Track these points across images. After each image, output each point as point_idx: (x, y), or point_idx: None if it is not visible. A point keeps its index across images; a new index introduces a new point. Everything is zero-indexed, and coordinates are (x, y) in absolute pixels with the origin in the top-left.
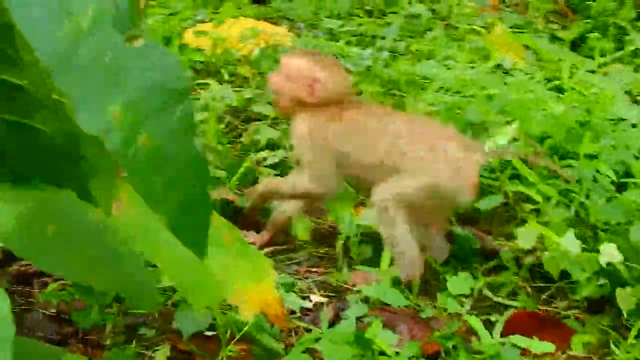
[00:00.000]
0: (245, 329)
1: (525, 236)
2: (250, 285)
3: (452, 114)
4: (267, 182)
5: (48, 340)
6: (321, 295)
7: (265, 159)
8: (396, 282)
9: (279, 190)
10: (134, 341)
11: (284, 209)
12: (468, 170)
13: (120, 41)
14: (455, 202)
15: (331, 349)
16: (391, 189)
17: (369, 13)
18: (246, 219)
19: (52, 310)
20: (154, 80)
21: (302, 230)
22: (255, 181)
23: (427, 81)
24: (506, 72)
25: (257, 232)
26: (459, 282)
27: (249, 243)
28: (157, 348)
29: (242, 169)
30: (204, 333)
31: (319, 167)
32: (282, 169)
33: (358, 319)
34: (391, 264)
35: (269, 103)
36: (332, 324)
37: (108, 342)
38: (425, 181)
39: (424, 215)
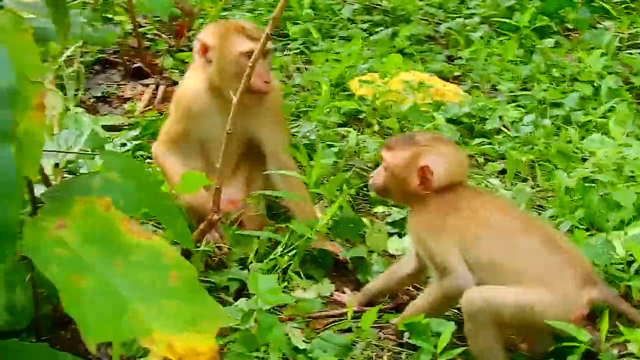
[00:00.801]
0: None
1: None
2: (180, 331)
3: (595, 193)
4: (411, 310)
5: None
6: None
7: (388, 214)
8: None
9: (430, 307)
10: None
11: (376, 283)
12: (578, 305)
13: None
14: (553, 330)
15: None
16: (486, 297)
17: (556, 80)
18: (346, 274)
19: None
20: None
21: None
22: (362, 235)
23: (586, 155)
24: None
25: (352, 290)
26: None
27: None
28: None
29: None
30: None
31: (455, 260)
32: (400, 228)
33: None
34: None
35: None
36: None
37: None
38: (527, 303)
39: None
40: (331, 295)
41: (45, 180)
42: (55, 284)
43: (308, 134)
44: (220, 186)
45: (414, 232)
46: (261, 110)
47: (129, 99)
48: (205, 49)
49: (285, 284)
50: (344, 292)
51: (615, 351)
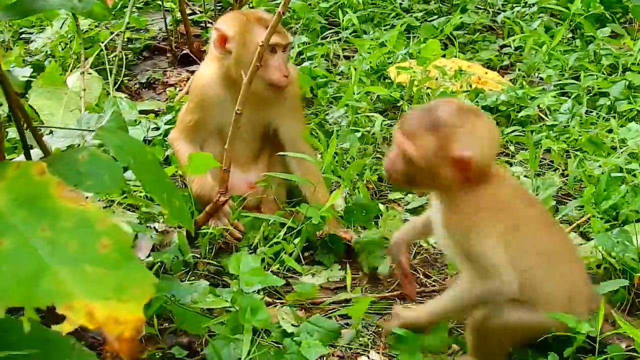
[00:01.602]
0: None
1: None
2: (104, 299)
3: (620, 183)
4: (433, 307)
5: (91, 342)
6: (383, 354)
7: (405, 201)
8: None
9: (454, 309)
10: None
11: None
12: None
13: None
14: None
15: None
16: (498, 315)
17: (607, 69)
18: (358, 261)
19: None
20: None
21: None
22: (376, 220)
23: (622, 144)
24: None
25: (363, 276)
26: None
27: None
28: None
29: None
30: None
31: (502, 262)
32: (417, 215)
33: None
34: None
35: None
36: None
37: (144, 355)
38: (541, 325)
39: None
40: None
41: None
42: None
43: (339, 119)
44: (228, 168)
45: (450, 230)
46: (279, 99)
47: (173, 85)
48: (223, 40)
49: (278, 267)
50: (355, 278)
51: (623, 345)
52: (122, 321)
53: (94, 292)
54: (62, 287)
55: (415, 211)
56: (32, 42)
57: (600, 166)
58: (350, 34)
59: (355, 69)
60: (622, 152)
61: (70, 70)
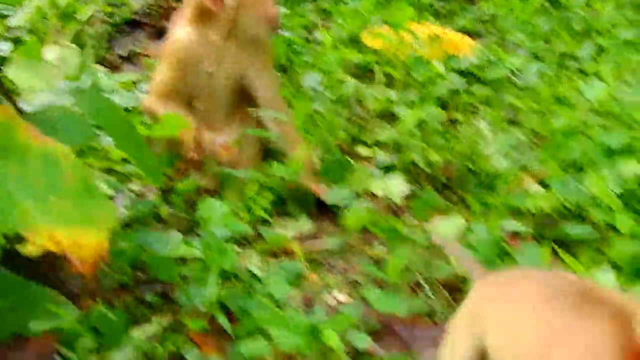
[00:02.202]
0: None
1: None
2: (68, 225)
3: (584, 137)
4: None
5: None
6: (348, 294)
7: (376, 159)
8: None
9: None
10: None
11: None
12: None
13: None
14: None
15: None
16: None
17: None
18: (328, 213)
19: None
20: None
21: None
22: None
23: (584, 101)
24: None
25: (333, 230)
26: None
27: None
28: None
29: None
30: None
31: None
32: (384, 170)
33: None
34: None
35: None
36: None
37: (119, 302)
38: None
39: None
40: None
41: None
42: None
43: (314, 84)
44: (199, 126)
45: None
46: (250, 56)
47: (153, 57)
48: None
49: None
50: (324, 231)
51: None
52: (85, 245)
53: (59, 220)
54: (29, 217)
55: (387, 169)
56: (10, 17)
57: (563, 121)
58: (329, 2)
59: (330, 36)
60: (585, 110)
61: (49, 43)
